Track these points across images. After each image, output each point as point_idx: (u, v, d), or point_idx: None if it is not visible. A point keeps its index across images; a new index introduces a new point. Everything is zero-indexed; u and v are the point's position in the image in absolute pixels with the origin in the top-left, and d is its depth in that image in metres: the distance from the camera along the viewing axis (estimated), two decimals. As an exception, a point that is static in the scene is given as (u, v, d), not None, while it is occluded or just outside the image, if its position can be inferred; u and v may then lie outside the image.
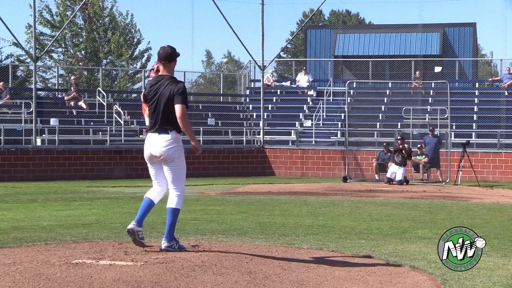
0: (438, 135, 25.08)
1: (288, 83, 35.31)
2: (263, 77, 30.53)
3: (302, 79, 33.39)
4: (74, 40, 44.79)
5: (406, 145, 22.46)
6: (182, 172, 7.46)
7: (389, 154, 23.39)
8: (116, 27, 45.48)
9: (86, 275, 6.23)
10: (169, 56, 7.38)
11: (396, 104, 30.03)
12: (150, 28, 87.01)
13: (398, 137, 23.41)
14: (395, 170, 22.07)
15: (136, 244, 7.56)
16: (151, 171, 7.66)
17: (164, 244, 7.45)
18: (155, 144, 7.34)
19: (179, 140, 7.35)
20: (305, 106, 31.40)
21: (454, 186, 21.78)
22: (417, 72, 32.12)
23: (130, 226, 7.54)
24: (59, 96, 31.52)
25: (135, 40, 47.05)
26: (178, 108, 7.18)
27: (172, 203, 7.48)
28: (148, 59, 47.84)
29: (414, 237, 9.47)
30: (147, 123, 22.82)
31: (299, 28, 43.81)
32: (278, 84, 35.09)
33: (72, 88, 28.28)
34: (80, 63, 43.67)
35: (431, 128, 24.64)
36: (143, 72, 36.79)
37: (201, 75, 64.27)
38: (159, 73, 7.48)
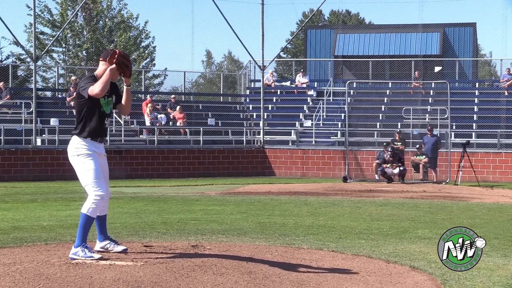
0: (438, 135, 25.09)
1: (288, 83, 35.32)
2: (263, 77, 30.52)
3: (301, 81, 33.43)
4: (75, 40, 44.77)
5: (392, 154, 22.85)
6: (85, 175, 7.00)
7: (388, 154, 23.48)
8: (125, 28, 45.42)
9: (86, 275, 6.23)
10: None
11: (396, 104, 30.03)
12: (150, 28, 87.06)
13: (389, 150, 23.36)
14: (390, 171, 22.69)
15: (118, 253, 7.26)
16: None
17: (71, 251, 7.06)
18: None
19: (81, 143, 7.11)
20: (305, 106, 31.41)
21: (454, 186, 21.78)
22: (416, 72, 32.12)
23: (96, 248, 7.26)
24: (59, 96, 31.50)
25: (143, 43, 47.10)
26: (88, 92, 6.87)
27: (83, 207, 7.03)
28: (152, 61, 47.90)
29: (414, 237, 9.47)
30: (147, 123, 23.21)
31: (299, 28, 43.81)
32: (278, 84, 35.10)
33: (71, 88, 28.28)
34: (82, 63, 43.67)
35: (429, 127, 24.66)
36: (143, 72, 36.79)
37: (201, 75, 64.31)
38: None
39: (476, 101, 30.47)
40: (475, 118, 29.10)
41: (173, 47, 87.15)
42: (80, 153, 7.09)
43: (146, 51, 47.22)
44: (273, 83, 33.76)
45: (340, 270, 6.80)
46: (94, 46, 44.61)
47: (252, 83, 33.90)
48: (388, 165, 22.76)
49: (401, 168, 22.62)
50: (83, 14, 43.95)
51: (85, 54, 44.52)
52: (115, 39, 45.20)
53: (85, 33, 44.48)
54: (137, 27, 46.63)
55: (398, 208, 13.97)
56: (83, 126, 7.10)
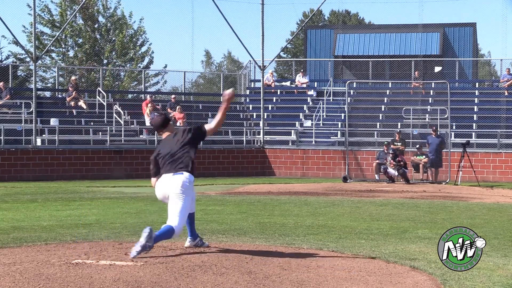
0: (444, 134, 25.06)
1: (288, 83, 35.31)
2: (263, 77, 30.51)
3: (301, 81, 33.43)
4: (75, 40, 44.75)
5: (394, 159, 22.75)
6: (184, 211, 7.54)
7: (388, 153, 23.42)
8: (122, 27, 45.36)
9: (86, 275, 6.23)
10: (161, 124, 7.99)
11: (396, 104, 30.03)
12: (150, 28, 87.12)
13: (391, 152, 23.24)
14: (392, 172, 22.67)
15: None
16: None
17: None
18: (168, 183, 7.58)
19: (192, 183, 7.61)
20: (305, 106, 31.40)
21: (454, 186, 21.78)
22: (416, 72, 32.11)
23: (188, 244, 7.93)
24: (59, 96, 31.49)
25: (139, 42, 47.02)
26: (206, 129, 7.79)
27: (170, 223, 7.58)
28: (150, 62, 47.83)
29: (414, 237, 9.47)
30: (147, 123, 23.52)
31: (299, 28, 43.80)
32: (278, 84, 35.09)
33: (70, 88, 28.27)
34: (81, 63, 43.64)
35: (433, 128, 24.57)
36: (143, 72, 36.79)
37: (201, 75, 64.27)
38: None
39: (476, 101, 30.46)
40: (475, 118, 29.09)
41: (173, 47, 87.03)
42: (190, 192, 7.54)
43: (143, 49, 47.10)
44: (273, 83, 33.75)
45: (340, 270, 6.79)
46: (93, 46, 44.60)
47: (252, 83, 33.89)
48: (391, 166, 22.63)
49: (400, 171, 22.40)
50: (81, 14, 43.90)
51: (84, 54, 44.50)
52: (114, 38, 45.18)
53: (84, 33, 44.43)
54: (131, 26, 46.48)
55: (398, 208, 13.97)
56: (193, 166, 7.64)
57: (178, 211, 7.41)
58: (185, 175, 7.48)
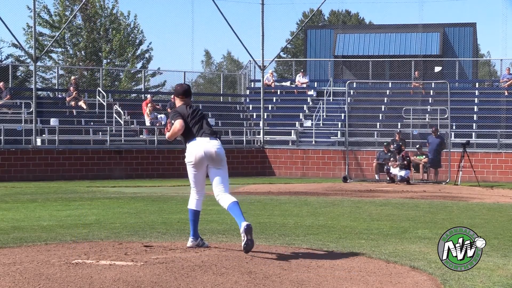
0: (444, 135, 25.07)
1: (288, 83, 35.31)
2: (263, 77, 30.51)
3: (301, 81, 33.43)
4: (73, 40, 44.75)
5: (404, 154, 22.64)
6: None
7: (389, 154, 23.38)
8: (118, 27, 45.36)
9: (86, 275, 6.23)
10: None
11: (396, 104, 30.04)
12: (150, 28, 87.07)
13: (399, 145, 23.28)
14: (397, 172, 22.44)
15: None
16: (197, 176, 7.96)
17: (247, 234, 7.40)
18: (209, 145, 7.80)
19: None
20: (305, 106, 31.40)
21: (454, 186, 21.78)
22: (416, 72, 32.12)
23: (190, 244, 7.92)
24: (59, 96, 31.52)
25: (138, 41, 46.97)
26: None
27: (231, 198, 7.83)
28: (148, 60, 47.77)
29: (414, 237, 9.47)
30: (147, 123, 23.62)
31: (299, 28, 43.80)
32: (278, 84, 35.09)
33: (71, 88, 28.28)
34: (80, 63, 43.65)
35: (434, 128, 24.56)
36: (143, 72, 36.80)
37: (201, 75, 64.25)
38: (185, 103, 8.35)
39: (476, 101, 30.47)
40: (475, 118, 29.10)
41: (173, 47, 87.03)
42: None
43: (141, 48, 47.04)
44: (273, 83, 33.75)
45: (340, 270, 6.79)
46: (92, 45, 44.59)
47: (252, 83, 33.90)
48: (392, 164, 22.49)
49: (403, 175, 22.25)
50: (81, 14, 43.90)
51: (83, 54, 44.50)
52: (112, 38, 45.16)
53: (83, 33, 44.43)
54: (129, 24, 46.45)
55: (398, 208, 13.97)
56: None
57: (226, 180, 7.90)
58: (219, 142, 7.85)
